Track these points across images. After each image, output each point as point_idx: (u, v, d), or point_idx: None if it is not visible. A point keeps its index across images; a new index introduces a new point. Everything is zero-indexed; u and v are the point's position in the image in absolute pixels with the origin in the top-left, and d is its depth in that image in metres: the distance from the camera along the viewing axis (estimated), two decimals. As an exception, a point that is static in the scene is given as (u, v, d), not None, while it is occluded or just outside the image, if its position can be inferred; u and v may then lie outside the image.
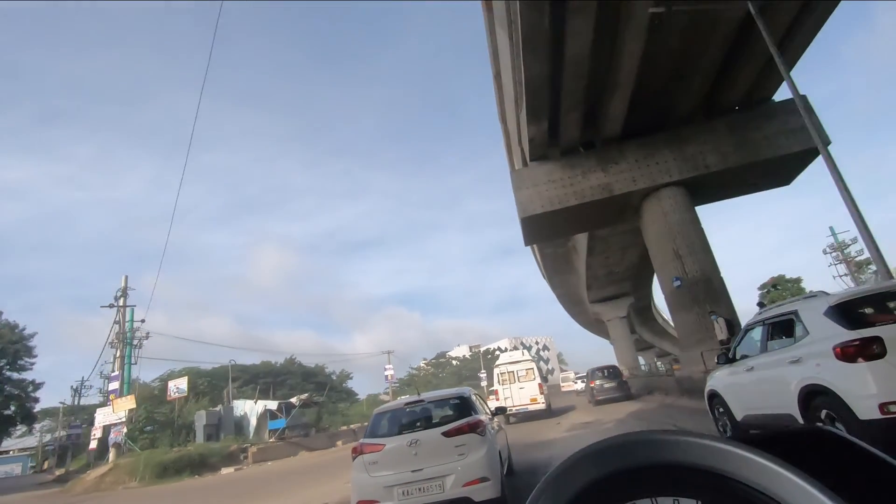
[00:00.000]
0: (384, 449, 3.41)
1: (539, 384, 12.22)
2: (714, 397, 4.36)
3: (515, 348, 51.12)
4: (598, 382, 13.51)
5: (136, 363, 16.20)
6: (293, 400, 17.12)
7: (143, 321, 17.69)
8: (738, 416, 3.92)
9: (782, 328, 3.45)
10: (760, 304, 7.26)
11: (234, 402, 17.95)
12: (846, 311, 2.83)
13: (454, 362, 41.76)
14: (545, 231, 12.41)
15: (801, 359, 3.02)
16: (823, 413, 2.83)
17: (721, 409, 4.23)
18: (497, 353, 48.47)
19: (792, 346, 3.20)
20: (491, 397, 12.32)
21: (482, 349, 44.89)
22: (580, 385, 20.73)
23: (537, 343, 67.64)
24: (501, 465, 3.69)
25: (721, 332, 7.93)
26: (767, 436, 0.41)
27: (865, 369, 2.53)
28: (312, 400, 18.84)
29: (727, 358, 4.12)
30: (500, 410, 5.32)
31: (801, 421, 3.07)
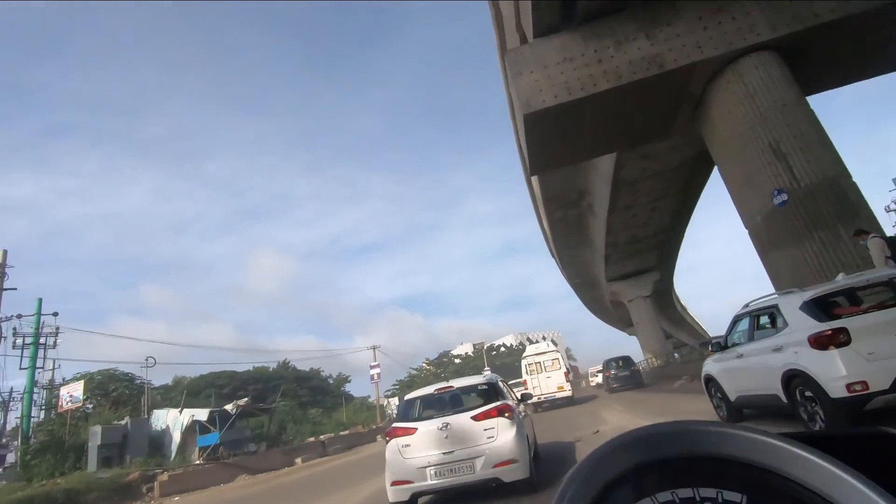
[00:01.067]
0: (416, 432, 5.18)
1: (565, 373, 19.16)
2: (710, 381, 6.66)
3: (521, 344, 60.71)
4: (612, 372, 22.47)
5: (46, 367, 18.30)
6: (228, 407, 18.64)
7: (55, 314, 19.72)
8: (732, 398, 6.15)
9: (766, 320, 5.30)
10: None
11: (156, 412, 19.77)
12: (818, 305, 4.57)
13: (456, 360, 51.35)
14: (558, 146, 12.07)
15: (781, 347, 4.84)
16: (802, 393, 4.67)
17: (716, 392, 6.51)
18: (502, 349, 60.91)
19: (774, 335, 5.09)
20: (519, 387, 18.79)
21: (486, 346, 55.78)
22: (599, 378, 30.70)
23: (544, 338, 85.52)
24: (529, 448, 5.43)
25: (881, 256, 6.85)
26: (822, 434, 0.55)
27: (835, 355, 4.28)
28: (256, 407, 21.16)
29: (720, 346, 6.22)
30: (526, 397, 7.55)
31: (784, 400, 4.98)
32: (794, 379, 4.76)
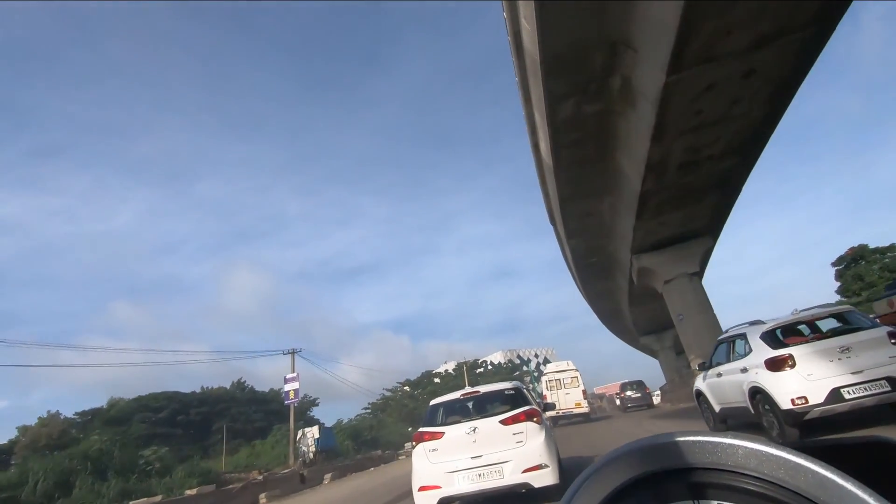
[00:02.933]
0: (444, 436, 5.23)
1: (583, 390, 21.47)
2: (700, 395, 8.14)
3: (510, 362, 63.29)
4: (627, 393, 27.79)
5: None
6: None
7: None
8: (717, 409, 7.57)
9: (737, 345, 6.61)
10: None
11: None
12: (772, 336, 5.96)
13: (436, 380, 48.08)
14: None
15: (747, 368, 6.26)
16: (762, 405, 6.08)
17: (705, 404, 7.96)
18: (488, 367, 56.72)
19: (742, 358, 6.54)
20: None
21: (469, 362, 51.90)
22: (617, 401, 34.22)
23: (536, 356, 79.69)
24: (558, 452, 5.43)
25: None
26: (824, 444, 0.57)
27: (783, 376, 5.70)
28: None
29: (706, 366, 7.77)
30: (549, 407, 7.60)
31: (751, 411, 6.38)
32: (757, 394, 6.15)
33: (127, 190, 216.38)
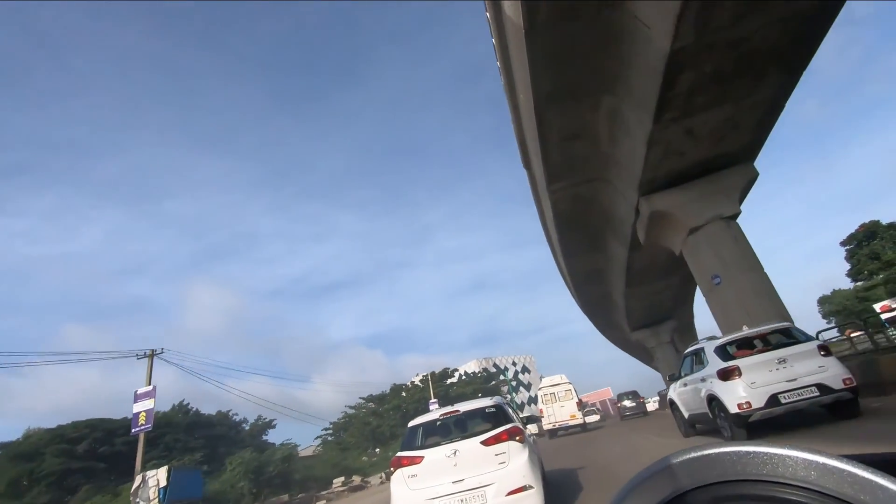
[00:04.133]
0: (423, 461, 5.07)
1: (577, 403, 23.03)
2: (672, 403, 9.31)
3: (484, 370, 57.39)
4: (624, 403, 30.33)
5: None
6: None
7: None
8: (686, 415, 8.67)
9: (698, 358, 7.77)
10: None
11: None
12: (722, 350, 7.09)
13: (403, 394, 44.87)
14: None
15: (704, 378, 7.38)
16: (716, 410, 7.21)
17: (676, 411, 9.08)
18: (462, 377, 52.21)
19: (701, 370, 7.64)
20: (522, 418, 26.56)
21: (438, 372, 47.63)
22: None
23: (514, 364, 77.32)
24: (543, 471, 5.36)
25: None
26: (884, 457, 0.54)
27: (731, 384, 6.81)
28: None
29: (675, 377, 8.96)
30: (532, 420, 9.90)
31: (710, 416, 7.51)
32: (713, 401, 7.22)
33: (92, 209, 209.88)
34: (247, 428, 40.13)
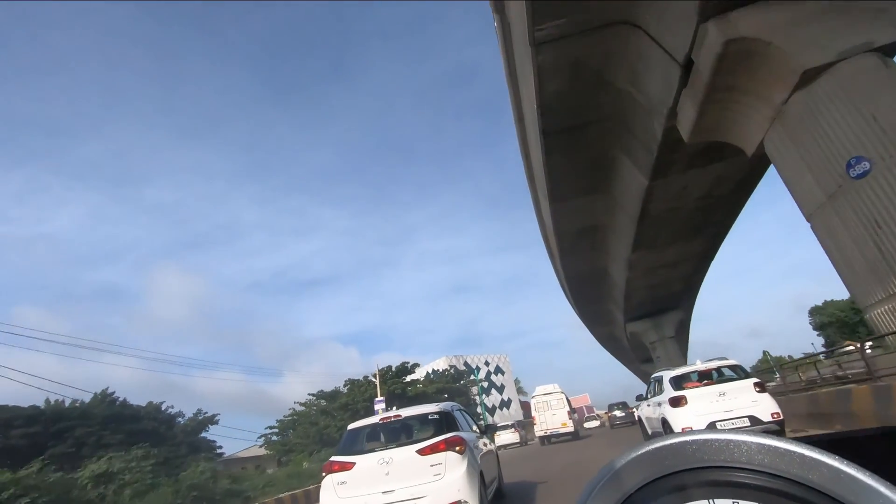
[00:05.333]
0: (354, 467, 4.94)
1: (568, 412, 24.46)
2: (640, 420, 11.03)
3: (452, 367, 54.40)
4: (614, 413, 32.26)
5: None
6: None
7: None
8: (649, 432, 10.20)
9: (659, 385, 9.38)
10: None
11: None
12: (675, 380, 8.64)
13: (344, 389, 41.04)
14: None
15: (660, 403, 8.94)
16: (667, 432, 8.81)
17: (643, 428, 10.72)
18: (430, 375, 49.74)
19: (659, 395, 9.18)
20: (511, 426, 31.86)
21: (395, 368, 42.70)
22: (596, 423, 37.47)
23: (487, 364, 71.85)
24: (484, 486, 5.25)
25: None
26: (833, 437, 0.59)
27: (679, 410, 8.38)
28: None
29: (643, 397, 10.64)
30: (489, 429, 7.99)
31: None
32: (665, 423, 8.76)
33: (68, 191, 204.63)
34: (183, 422, 35.82)
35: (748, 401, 8.17)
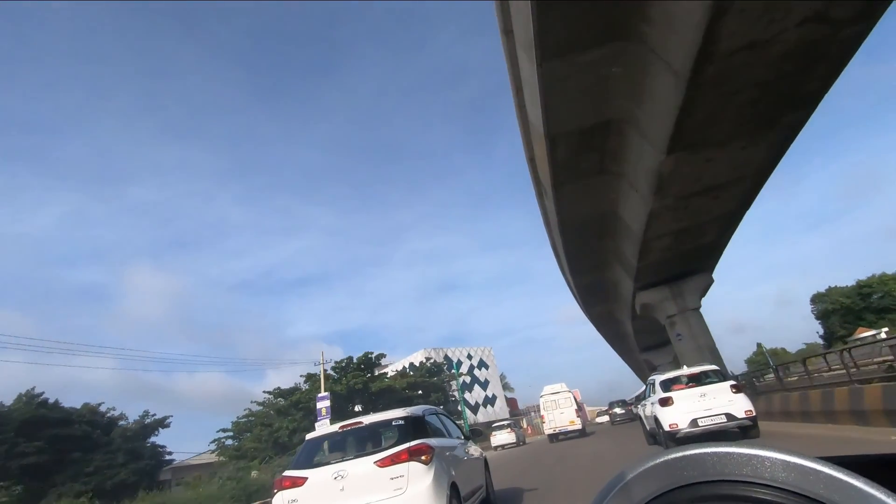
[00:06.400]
0: (307, 483, 4.57)
1: (575, 409, 26.02)
2: (638, 416, 13.05)
3: (428, 358, 48.22)
4: (615, 410, 36.03)
5: None
6: None
7: None
8: (647, 428, 11.86)
9: (653, 387, 10.96)
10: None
11: None
12: (665, 384, 10.24)
13: (306, 386, 36.94)
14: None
15: (653, 403, 10.51)
16: (658, 427, 10.36)
17: (641, 424, 12.43)
18: (406, 369, 46.07)
19: (652, 396, 10.80)
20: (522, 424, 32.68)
21: (358, 358, 38.37)
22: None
23: (470, 357, 66.74)
24: (458, 499, 4.85)
25: None
26: (857, 458, 0.58)
27: (667, 409, 9.94)
28: None
29: (641, 398, 12.87)
30: (475, 433, 7.25)
31: (657, 430, 10.67)
32: (656, 420, 10.35)
33: (48, 191, 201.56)
34: (126, 424, 32.03)
35: (725, 400, 9.69)
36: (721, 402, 9.67)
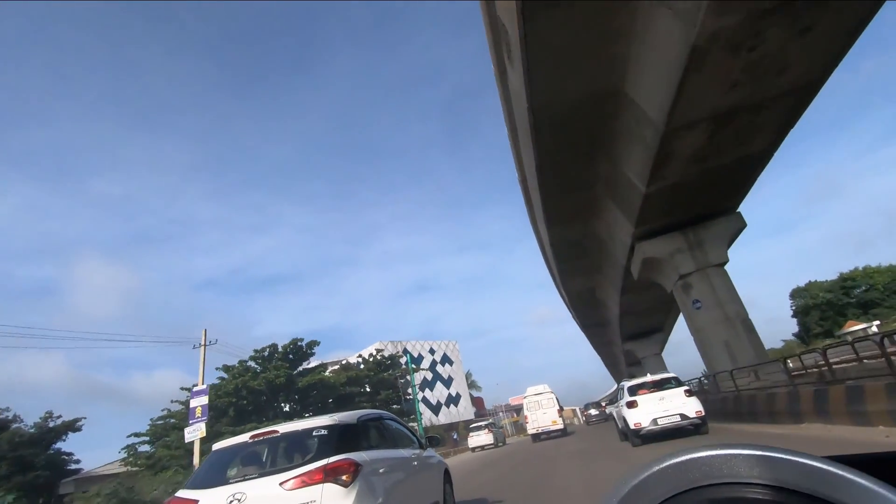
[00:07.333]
0: None
1: (557, 410, 27.32)
2: (611, 416, 16.84)
3: (379, 350, 44.23)
4: (590, 411, 38.91)
5: None
6: None
7: None
8: (620, 426, 13.85)
9: (622, 392, 13.03)
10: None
11: None
12: (631, 389, 12.26)
13: (225, 376, 31.41)
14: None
15: (621, 405, 12.56)
16: (627, 426, 12.36)
17: (614, 424, 14.70)
18: (349, 362, 43.39)
19: (621, 399, 12.88)
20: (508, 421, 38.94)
21: (290, 346, 33.26)
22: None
23: (432, 352, 61.34)
24: None
25: None
26: (868, 456, 0.58)
27: (633, 411, 11.95)
28: None
29: (612, 400, 15.52)
30: (434, 441, 6.50)
31: (627, 428, 12.68)
32: (624, 420, 12.32)
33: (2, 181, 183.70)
34: (21, 428, 27.83)
35: (680, 403, 11.73)
36: (676, 405, 11.70)
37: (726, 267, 16.83)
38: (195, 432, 19.06)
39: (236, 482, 4.06)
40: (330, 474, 3.89)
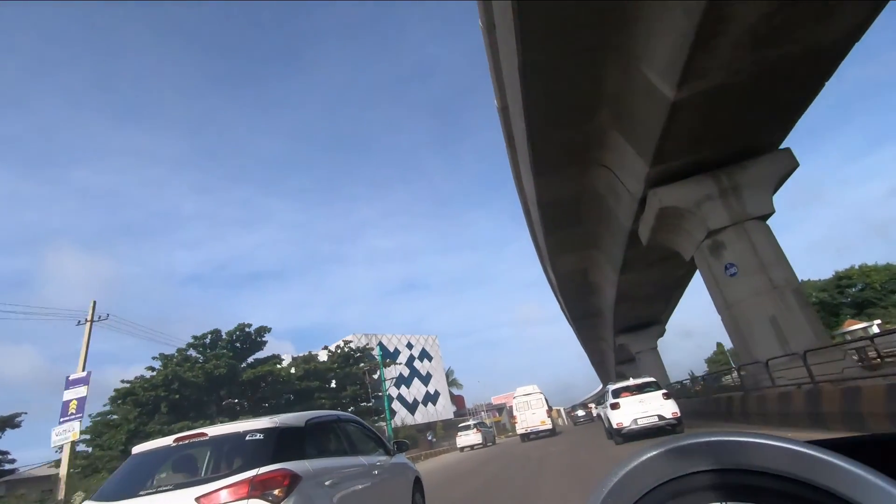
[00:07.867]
0: None
1: (546, 410, 28.00)
2: (598, 416, 18.95)
3: (347, 342, 39.99)
4: (576, 412, 44.29)
5: None
6: None
7: None
8: (606, 426, 15.17)
9: (607, 394, 14.33)
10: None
11: None
12: (615, 392, 13.63)
13: (171, 365, 27.20)
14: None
15: (607, 406, 13.89)
16: (610, 426, 13.54)
17: (602, 423, 16.28)
18: (311, 353, 36.56)
19: (607, 401, 14.21)
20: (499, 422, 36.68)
21: (237, 331, 29.51)
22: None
23: (410, 347, 58.04)
24: None
25: None
26: (853, 440, 0.59)
27: (616, 412, 13.29)
28: None
29: (599, 401, 17.65)
30: (402, 447, 5.99)
31: (611, 427, 13.84)
32: (608, 420, 13.51)
33: None
34: None
35: (657, 405, 12.98)
36: (654, 406, 12.93)
37: (769, 221, 12.74)
38: (65, 434, 15.07)
39: (147, 494, 3.49)
40: (258, 488, 3.30)
